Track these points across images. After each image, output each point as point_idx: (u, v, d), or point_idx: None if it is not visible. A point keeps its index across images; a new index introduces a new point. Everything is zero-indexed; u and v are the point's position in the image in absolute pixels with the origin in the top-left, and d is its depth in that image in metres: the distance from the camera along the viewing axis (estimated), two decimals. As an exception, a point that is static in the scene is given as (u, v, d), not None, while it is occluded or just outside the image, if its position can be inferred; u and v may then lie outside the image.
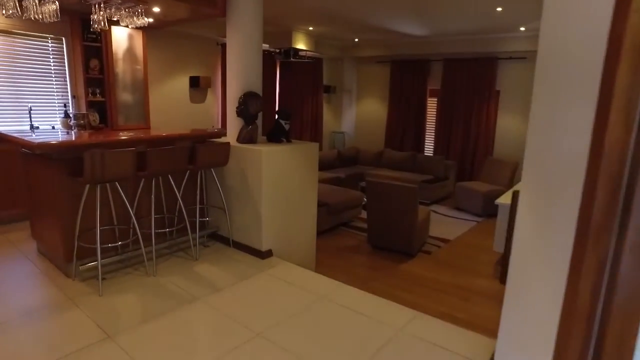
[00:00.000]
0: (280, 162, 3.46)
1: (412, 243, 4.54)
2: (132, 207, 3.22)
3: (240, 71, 3.68)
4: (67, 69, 4.89)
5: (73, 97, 4.98)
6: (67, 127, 4.75)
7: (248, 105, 3.53)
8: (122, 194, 2.85)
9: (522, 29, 6.00)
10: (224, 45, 6.53)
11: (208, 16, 4.57)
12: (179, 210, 3.57)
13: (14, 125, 4.56)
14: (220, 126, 6.80)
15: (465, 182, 6.75)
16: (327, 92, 8.77)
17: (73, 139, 2.96)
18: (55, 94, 4.85)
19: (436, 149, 7.93)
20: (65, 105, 4.87)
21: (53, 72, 4.80)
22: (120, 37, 5.03)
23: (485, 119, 7.24)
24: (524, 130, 6.88)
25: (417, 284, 3.97)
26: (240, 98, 3.55)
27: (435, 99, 7.97)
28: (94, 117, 5.00)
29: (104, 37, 4.89)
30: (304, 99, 8.17)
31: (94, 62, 4.91)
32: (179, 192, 3.34)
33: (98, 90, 5.02)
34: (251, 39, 3.65)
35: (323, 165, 7.48)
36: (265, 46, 7.19)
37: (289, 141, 3.76)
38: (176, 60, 6.08)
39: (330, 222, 5.35)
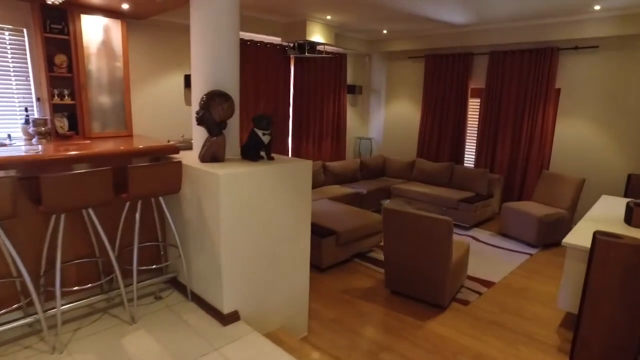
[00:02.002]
0: (250, 188, 2.46)
1: (443, 293, 3.40)
2: (41, 254, 2.34)
3: (206, 63, 2.72)
4: (30, 66, 4.15)
5: (37, 99, 4.24)
6: (28, 135, 4.01)
7: (211, 110, 2.56)
8: (5, 240, 1.96)
9: (597, 7, 4.66)
10: (226, 39, 5.63)
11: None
12: (119, 254, 2.66)
13: (-37, 133, 3.87)
14: (221, 132, 5.91)
15: (514, 202, 5.46)
16: (351, 93, 7.71)
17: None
18: (15, 96, 4.12)
19: (478, 160, 6.65)
20: (26, 110, 4.14)
21: (12, 70, 4.07)
22: (93, 28, 4.24)
23: (541, 124, 5.90)
24: (594, 139, 5.50)
25: (450, 358, 2.84)
26: (201, 99, 2.58)
27: (478, 100, 6.70)
28: (62, 124, 4.24)
29: (72, 28, 4.10)
30: (323, 100, 7.15)
31: (60, 58, 4.14)
32: (106, 230, 2.43)
33: (67, 92, 4.25)
34: (221, 18, 2.67)
35: (343, 179, 6.43)
36: (277, 39, 6.24)
37: (270, 158, 2.76)
38: (167, 56, 5.24)
39: (340, 255, 4.29)
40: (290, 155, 6.86)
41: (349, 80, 7.79)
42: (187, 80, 5.40)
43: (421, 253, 3.42)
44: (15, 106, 4.13)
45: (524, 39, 5.68)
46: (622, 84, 5.21)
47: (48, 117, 4.09)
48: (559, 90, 5.80)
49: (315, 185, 6.05)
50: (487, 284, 4.01)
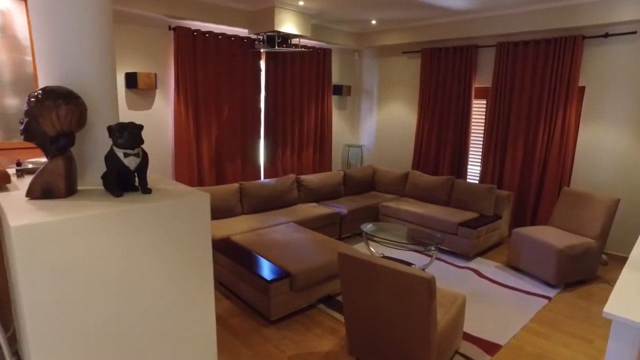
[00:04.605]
0: (92, 245, 1.50)
1: (424, 374, 2.39)
2: None
3: (51, 46, 1.79)
4: None
5: None
6: None
7: (38, 117, 1.61)
8: None
9: (636, -20, 3.63)
10: (179, 30, 4.72)
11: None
12: None
13: None
14: (172, 143, 4.98)
15: (527, 227, 4.42)
16: (338, 94, 6.73)
17: None
18: None
19: (484, 174, 5.60)
20: None
21: None
22: (-14, 11, 3.36)
23: (560, 131, 4.85)
24: (627, 149, 4.42)
25: None
26: (27, 102, 1.64)
27: (484, 102, 5.67)
28: (-54, 132, 3.35)
29: (-47, 11, 3.22)
30: (303, 103, 6.19)
31: (-61, 50, 3.26)
32: None
33: (-48, 92, 3.37)
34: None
35: (322, 195, 5.44)
36: (243, 31, 5.31)
37: (146, 190, 1.80)
38: (101, 49, 4.33)
39: (296, 302, 3.31)
40: (262, 168, 5.90)
41: (335, 79, 6.82)
42: (129, 79, 4.49)
43: (393, 316, 2.42)
44: None
45: (540, 26, 4.63)
46: (664, 80, 4.15)
47: None
48: (583, 88, 4.74)
49: (287, 203, 5.08)
50: (490, 347, 2.98)
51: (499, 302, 3.66)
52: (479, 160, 5.77)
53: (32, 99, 1.64)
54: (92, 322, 1.55)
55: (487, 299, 3.72)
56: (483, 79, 5.60)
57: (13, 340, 2.18)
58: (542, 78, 4.94)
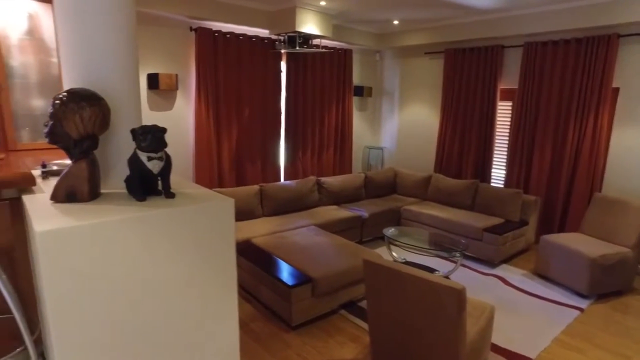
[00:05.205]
0: (114, 250, 1.47)
1: (453, 388, 2.29)
2: None
3: (75, 48, 1.77)
4: None
5: (-55, 103, 3.43)
6: None
7: (62, 120, 1.59)
8: None
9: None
10: (200, 31, 4.72)
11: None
12: None
13: None
14: (193, 144, 4.99)
15: (556, 234, 4.25)
16: (358, 95, 6.64)
17: None
18: None
19: (509, 178, 5.42)
20: None
21: None
22: (14, 13, 3.40)
23: (592, 134, 4.65)
24: (667, 154, 4.20)
25: None
26: (52, 104, 1.62)
27: (510, 104, 5.49)
28: (-25, 133, 3.41)
29: (-17, 14, 3.28)
30: (324, 104, 6.12)
31: (-31, 52, 3.31)
32: None
33: (-19, 94, 3.42)
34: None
35: (342, 198, 5.36)
36: (264, 32, 5.28)
37: (169, 195, 1.76)
38: (125, 51, 4.36)
39: (318, 307, 3.24)
40: (282, 170, 5.86)
41: (356, 80, 6.73)
42: (151, 80, 4.51)
43: (420, 326, 2.32)
44: None
45: (570, 24, 4.45)
46: None
47: (-48, 125, 3.27)
48: (617, 89, 4.54)
49: (308, 206, 5.02)
50: (520, 360, 2.85)
51: (527, 312, 3.51)
52: (504, 164, 5.59)
53: (57, 102, 1.62)
54: (114, 327, 1.51)
55: (515, 308, 3.58)
56: (509, 80, 5.42)
57: (39, 342, 2.17)
58: (572, 79, 4.75)
